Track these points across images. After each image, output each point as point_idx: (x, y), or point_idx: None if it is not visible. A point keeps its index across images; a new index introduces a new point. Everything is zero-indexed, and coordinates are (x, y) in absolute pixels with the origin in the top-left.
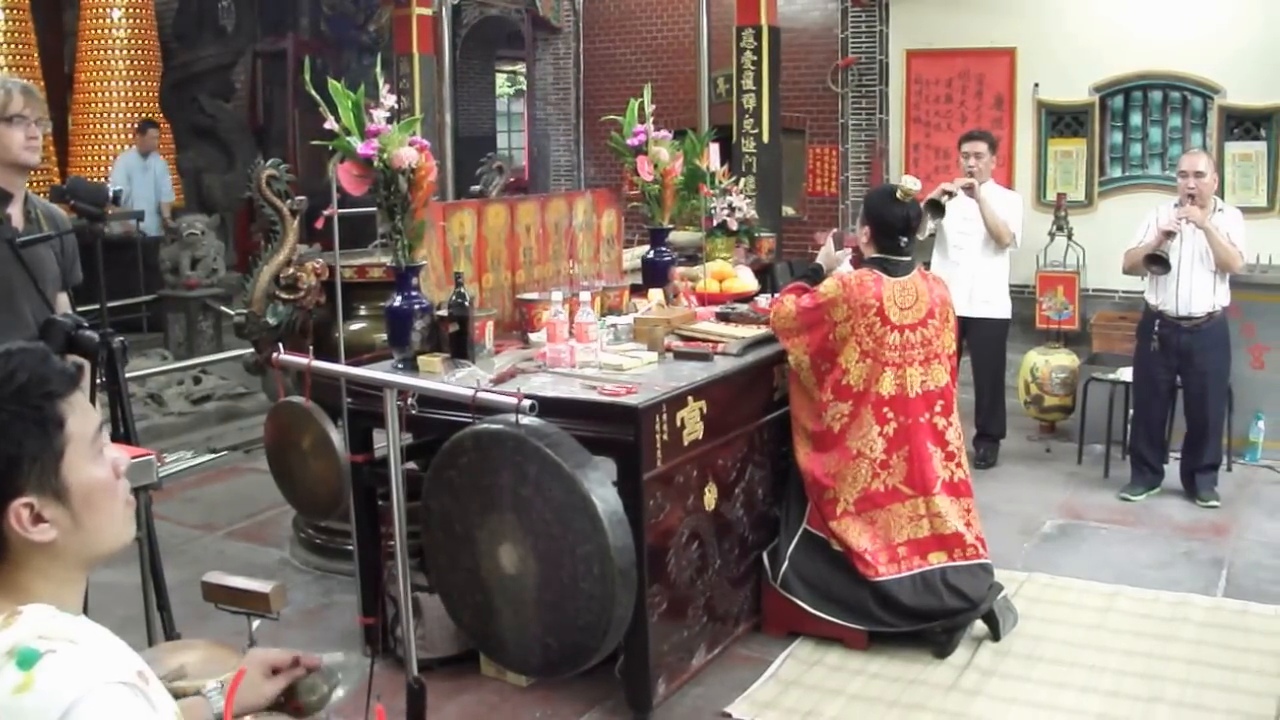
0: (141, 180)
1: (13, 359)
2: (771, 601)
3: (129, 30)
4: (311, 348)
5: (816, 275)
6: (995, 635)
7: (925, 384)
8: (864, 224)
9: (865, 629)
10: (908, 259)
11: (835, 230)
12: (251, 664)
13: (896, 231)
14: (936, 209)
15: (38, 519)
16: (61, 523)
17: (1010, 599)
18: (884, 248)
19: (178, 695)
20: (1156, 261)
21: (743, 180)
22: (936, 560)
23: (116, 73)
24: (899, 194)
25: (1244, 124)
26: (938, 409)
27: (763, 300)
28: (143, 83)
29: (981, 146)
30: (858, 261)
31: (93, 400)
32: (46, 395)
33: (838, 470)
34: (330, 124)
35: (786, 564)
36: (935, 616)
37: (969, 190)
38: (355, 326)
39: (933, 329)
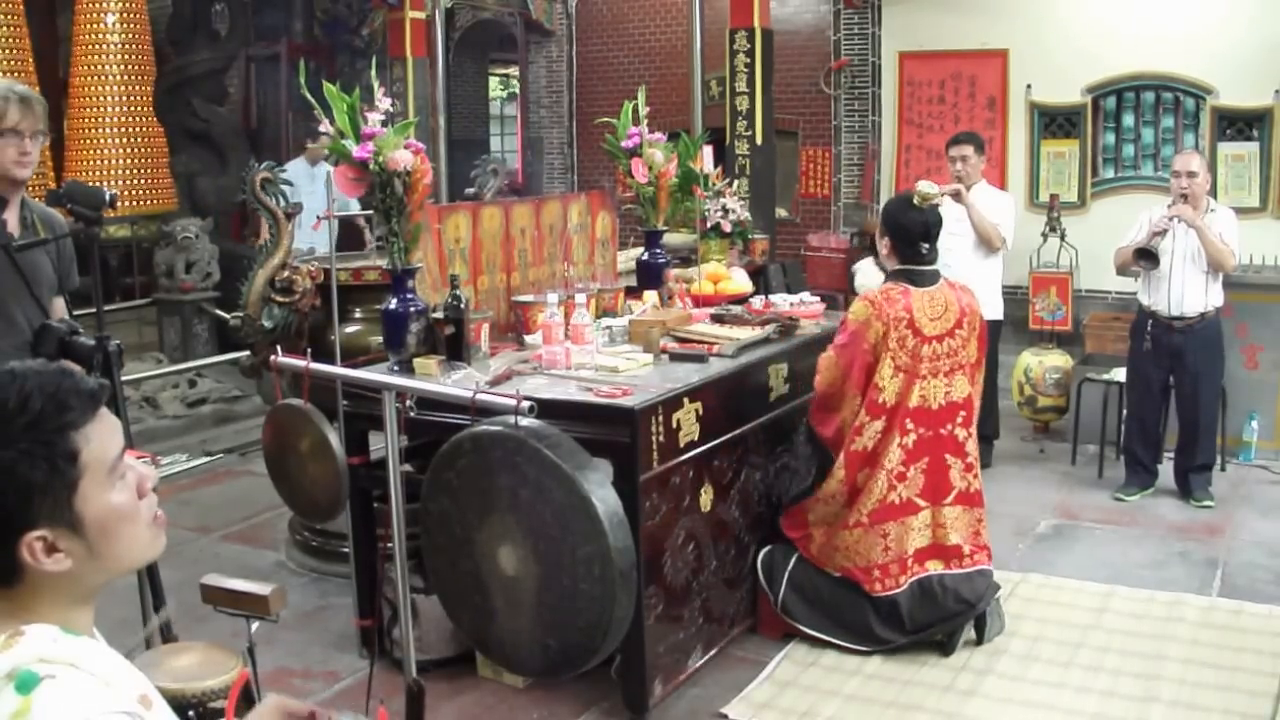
0: (309, 191)
1: (28, 382)
2: (767, 603)
3: (123, 35)
4: (308, 351)
5: None
6: (980, 638)
7: (949, 395)
8: (883, 235)
9: (869, 649)
10: (933, 268)
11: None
12: (268, 710)
13: (917, 238)
14: None
15: (52, 549)
16: (76, 553)
17: (1002, 602)
18: (906, 257)
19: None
20: (1146, 256)
21: (736, 182)
22: (933, 568)
23: (111, 77)
24: (916, 200)
25: (1236, 124)
26: (959, 420)
27: (756, 301)
28: (137, 87)
29: (968, 149)
30: None
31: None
32: (60, 428)
33: (860, 482)
34: (325, 127)
35: (785, 586)
36: (936, 623)
37: (956, 196)
38: (351, 329)
39: (960, 339)
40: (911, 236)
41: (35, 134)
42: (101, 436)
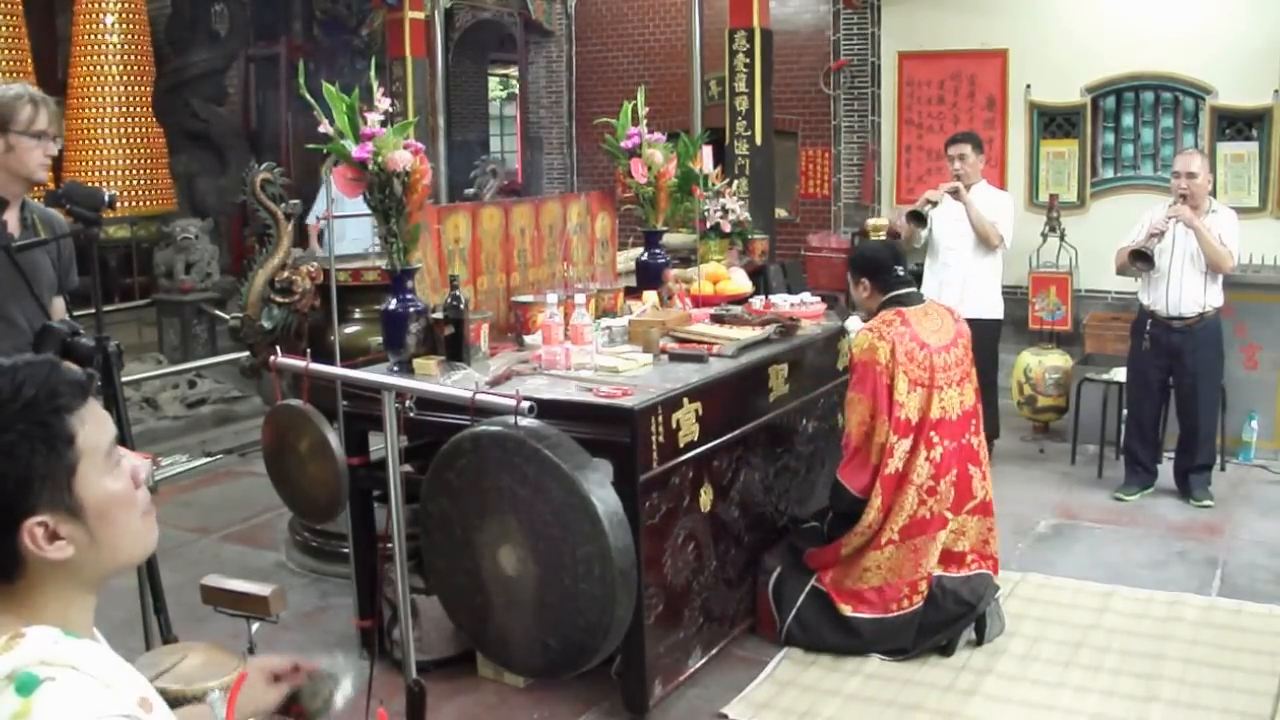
0: (350, 205)
1: (19, 372)
2: (767, 603)
3: (122, 35)
4: (308, 351)
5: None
6: (980, 639)
7: (963, 404)
8: (858, 281)
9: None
10: (915, 289)
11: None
12: (252, 671)
13: (890, 263)
14: (919, 219)
15: (53, 536)
16: (78, 539)
17: (1002, 602)
18: (888, 285)
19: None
20: (1141, 258)
21: (736, 182)
22: (934, 570)
23: (110, 78)
24: (871, 235)
25: (1235, 124)
26: (972, 427)
27: (756, 302)
28: (136, 88)
29: (966, 149)
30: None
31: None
32: (55, 411)
33: (893, 502)
34: (325, 127)
35: (792, 620)
36: (940, 628)
37: (955, 194)
38: (350, 330)
39: (962, 347)
40: (884, 264)
41: (57, 137)
42: (95, 422)
